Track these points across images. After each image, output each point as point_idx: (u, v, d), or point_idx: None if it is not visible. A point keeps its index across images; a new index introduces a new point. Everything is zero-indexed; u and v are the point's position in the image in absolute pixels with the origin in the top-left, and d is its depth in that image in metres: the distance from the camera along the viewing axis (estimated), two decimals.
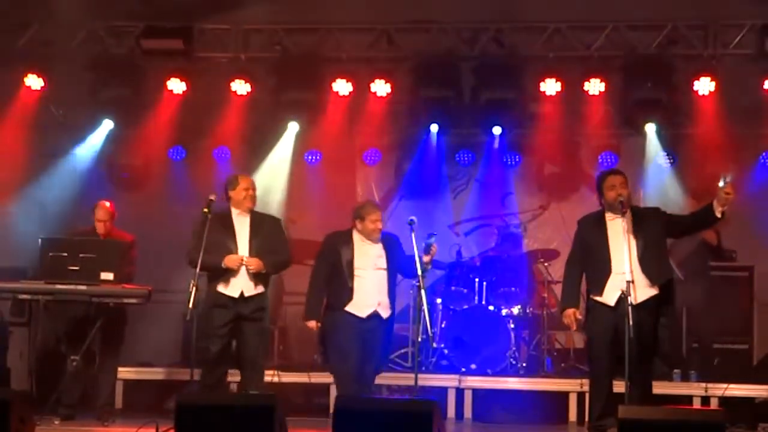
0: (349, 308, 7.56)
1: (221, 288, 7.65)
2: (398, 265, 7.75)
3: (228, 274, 7.62)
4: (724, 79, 10.01)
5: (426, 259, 7.55)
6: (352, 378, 7.56)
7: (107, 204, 8.60)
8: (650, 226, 7.24)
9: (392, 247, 7.74)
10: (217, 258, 7.55)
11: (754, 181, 10.54)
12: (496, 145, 11.14)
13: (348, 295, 7.56)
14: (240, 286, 7.63)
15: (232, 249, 7.65)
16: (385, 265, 7.68)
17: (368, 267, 7.64)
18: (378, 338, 7.63)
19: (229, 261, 7.58)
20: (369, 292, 7.60)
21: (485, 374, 9.42)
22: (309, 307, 7.72)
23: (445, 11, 10.33)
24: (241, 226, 7.76)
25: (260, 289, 7.70)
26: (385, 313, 7.65)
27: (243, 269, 7.63)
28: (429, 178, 11.23)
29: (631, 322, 6.77)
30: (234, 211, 7.81)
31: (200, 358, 7.73)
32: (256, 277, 7.66)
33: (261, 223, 7.84)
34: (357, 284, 7.58)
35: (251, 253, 7.65)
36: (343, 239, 7.71)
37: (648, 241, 7.18)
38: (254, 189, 7.89)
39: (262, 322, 7.75)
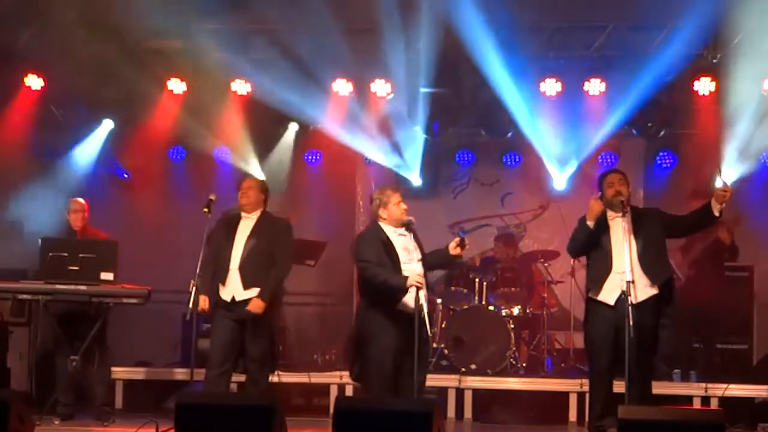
0: (400, 306, 6.95)
1: (219, 290, 7.66)
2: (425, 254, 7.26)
3: (222, 277, 7.61)
4: (724, 79, 9.99)
5: (458, 251, 7.07)
6: (390, 378, 6.98)
7: (81, 200, 8.49)
8: (650, 226, 7.24)
9: (417, 235, 7.24)
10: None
11: (754, 181, 10.52)
12: (496, 144, 11.15)
13: (401, 293, 6.93)
14: (231, 291, 7.61)
15: (228, 251, 7.63)
16: (420, 255, 7.14)
17: (411, 260, 7.06)
18: (422, 335, 6.93)
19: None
20: None
21: (485, 374, 9.41)
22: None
23: (446, 11, 10.30)
24: (245, 227, 7.73)
25: (254, 292, 7.59)
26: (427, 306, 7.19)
27: (233, 273, 7.58)
28: (429, 178, 11.23)
29: (631, 322, 6.76)
30: (242, 213, 7.81)
31: (205, 356, 7.83)
32: (249, 280, 7.58)
33: (265, 225, 7.74)
34: None
35: (243, 255, 7.59)
36: (381, 236, 7.09)
37: (648, 240, 7.19)
38: (252, 188, 7.79)
39: (260, 323, 7.62)
